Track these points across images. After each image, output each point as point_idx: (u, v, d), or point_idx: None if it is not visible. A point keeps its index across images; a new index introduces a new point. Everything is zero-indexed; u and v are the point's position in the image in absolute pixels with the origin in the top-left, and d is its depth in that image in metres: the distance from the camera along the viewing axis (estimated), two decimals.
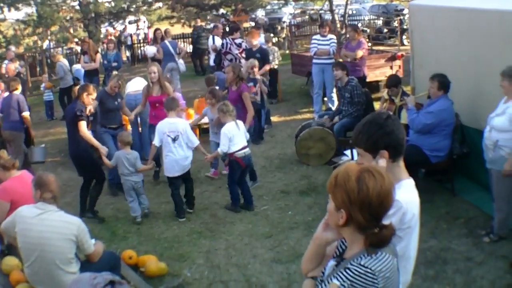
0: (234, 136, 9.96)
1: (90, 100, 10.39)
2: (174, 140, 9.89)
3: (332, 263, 3.35)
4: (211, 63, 19.67)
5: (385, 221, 3.18)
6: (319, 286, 3.33)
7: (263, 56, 15.76)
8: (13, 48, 24.91)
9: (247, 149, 10.21)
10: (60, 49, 31.19)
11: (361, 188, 3.07)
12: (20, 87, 13.80)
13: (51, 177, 6.52)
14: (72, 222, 6.32)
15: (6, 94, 13.43)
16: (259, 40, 18.94)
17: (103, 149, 10.28)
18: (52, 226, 6.19)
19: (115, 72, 15.89)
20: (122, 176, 10.16)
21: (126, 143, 10.11)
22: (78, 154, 10.32)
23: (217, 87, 13.16)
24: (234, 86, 11.72)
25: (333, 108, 14.04)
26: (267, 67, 15.74)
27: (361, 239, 3.15)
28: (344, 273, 3.06)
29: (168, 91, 11.75)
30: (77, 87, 11.23)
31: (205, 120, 12.31)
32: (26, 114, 13.31)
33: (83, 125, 10.10)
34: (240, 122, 10.28)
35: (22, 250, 6.39)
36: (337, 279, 3.07)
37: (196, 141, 10.18)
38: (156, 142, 10.10)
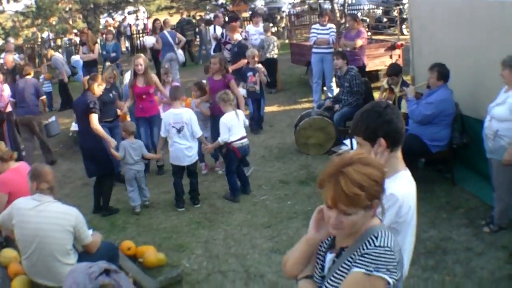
0: (233, 126, 9.97)
1: (100, 90, 10.35)
2: (179, 131, 9.87)
3: (330, 256, 3.30)
4: (211, 52, 19.63)
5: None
6: (322, 283, 3.28)
7: (239, 51, 15.69)
8: (12, 39, 24.87)
9: (245, 139, 10.24)
10: (59, 40, 31.19)
11: (379, 168, 3.07)
12: (32, 72, 14.20)
13: (46, 168, 6.50)
14: (70, 212, 6.30)
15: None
16: (258, 30, 18.94)
17: (113, 142, 10.12)
18: (50, 218, 6.17)
19: (108, 63, 15.85)
20: (125, 165, 10.13)
21: (130, 133, 10.09)
22: (91, 146, 10.07)
23: None
24: (218, 75, 11.57)
25: (332, 98, 13.98)
26: (243, 61, 15.47)
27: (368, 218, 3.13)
28: (365, 259, 3.02)
29: (154, 81, 11.73)
30: (86, 78, 11.10)
31: None
32: (44, 97, 14.08)
33: (95, 118, 9.91)
34: (240, 112, 10.31)
35: (19, 242, 6.37)
36: (359, 267, 3.02)
37: (199, 132, 10.13)
38: (162, 133, 10.09)
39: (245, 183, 10.51)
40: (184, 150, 9.93)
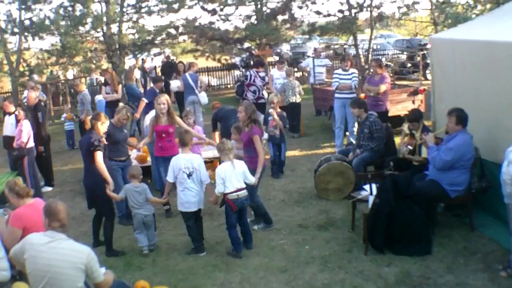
0: (227, 177, 9.59)
1: (104, 128, 10.41)
2: (189, 175, 9.73)
3: None
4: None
5: None
6: None
7: None
8: (35, 77, 25.09)
9: (242, 191, 9.74)
10: (85, 79, 31.51)
11: None
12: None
13: (60, 206, 6.44)
14: (82, 250, 6.26)
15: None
16: (282, 74, 19.02)
17: (111, 184, 10.10)
18: (61, 255, 6.14)
19: (121, 104, 16.01)
20: (132, 209, 10.09)
21: (135, 176, 10.08)
22: (93, 185, 10.18)
23: None
24: (246, 128, 11.00)
25: (355, 143, 13.94)
26: None
27: None
28: None
29: (176, 121, 11.82)
30: (89, 117, 11.23)
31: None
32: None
33: (99, 156, 10.03)
34: (238, 162, 9.90)
35: (30, 276, 6.33)
36: None
37: (208, 179, 9.98)
38: (170, 178, 9.92)
39: (247, 236, 10.05)
40: (194, 196, 9.77)
